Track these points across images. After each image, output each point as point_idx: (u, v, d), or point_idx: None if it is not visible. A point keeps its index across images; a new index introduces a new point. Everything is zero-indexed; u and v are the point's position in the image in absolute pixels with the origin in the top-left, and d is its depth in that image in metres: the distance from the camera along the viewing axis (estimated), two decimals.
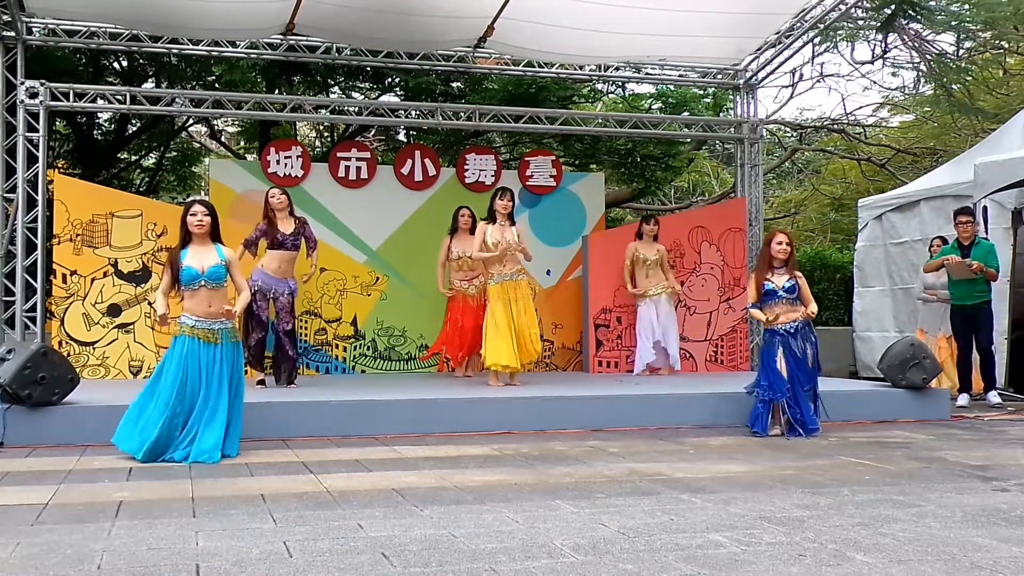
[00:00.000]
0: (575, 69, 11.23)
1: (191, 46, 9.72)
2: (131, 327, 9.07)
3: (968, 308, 8.81)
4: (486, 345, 8.13)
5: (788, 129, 19.11)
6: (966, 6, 12.04)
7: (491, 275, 8.24)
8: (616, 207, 16.89)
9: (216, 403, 5.63)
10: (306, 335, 9.86)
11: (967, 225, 8.83)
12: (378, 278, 10.07)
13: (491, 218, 8.26)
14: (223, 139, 17.46)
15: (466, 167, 10.49)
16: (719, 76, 11.26)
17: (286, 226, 7.96)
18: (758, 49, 10.63)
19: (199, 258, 5.70)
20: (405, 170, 10.33)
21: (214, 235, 5.83)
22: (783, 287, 6.77)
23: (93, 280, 9.03)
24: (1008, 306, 9.59)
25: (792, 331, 6.75)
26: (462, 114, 10.64)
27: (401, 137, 15.01)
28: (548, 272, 10.57)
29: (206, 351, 5.65)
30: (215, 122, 16.16)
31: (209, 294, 5.69)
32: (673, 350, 9.65)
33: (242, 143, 17.11)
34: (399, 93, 13.56)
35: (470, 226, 9.05)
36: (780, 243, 6.85)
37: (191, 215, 5.77)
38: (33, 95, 8.98)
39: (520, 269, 8.32)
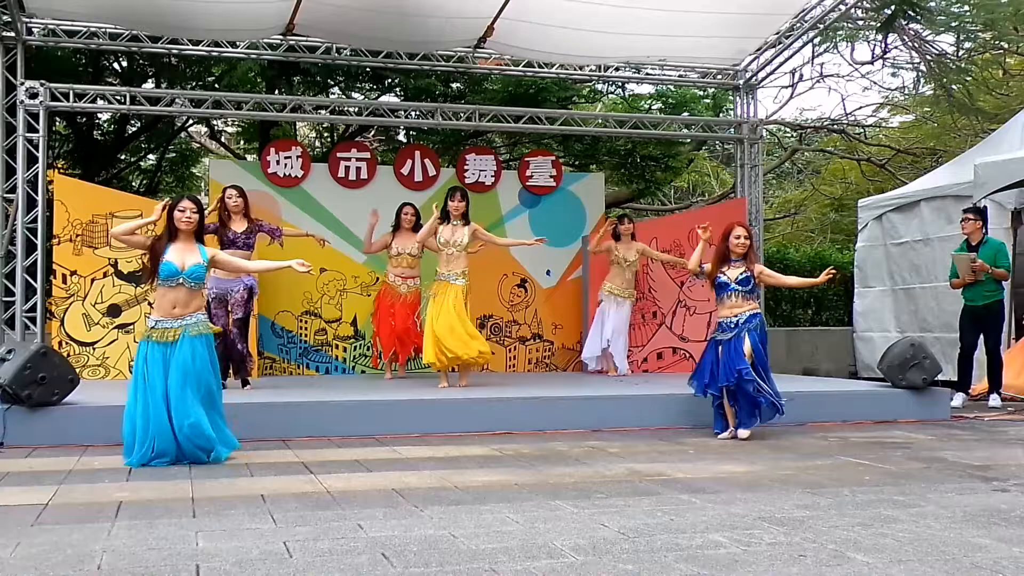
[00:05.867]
0: (575, 69, 11.23)
1: (191, 46, 9.72)
2: (131, 327, 9.07)
3: (979, 308, 8.79)
4: (428, 346, 8.10)
5: (788, 129, 19.10)
6: (966, 7, 12.04)
7: (436, 272, 8.18)
8: (616, 207, 16.86)
9: (180, 402, 5.40)
10: (306, 335, 9.87)
11: (966, 223, 8.83)
12: (378, 278, 10.04)
13: (444, 218, 8.20)
14: (223, 139, 17.46)
15: (466, 167, 10.49)
16: (719, 76, 11.26)
17: (238, 225, 7.86)
18: (758, 49, 10.64)
19: (181, 255, 5.57)
20: (405, 170, 10.34)
21: (198, 234, 5.72)
22: (736, 279, 6.60)
23: (93, 280, 9.03)
24: (1009, 306, 9.58)
25: (737, 324, 6.57)
26: (462, 114, 10.64)
27: (401, 137, 15.00)
28: (548, 272, 10.58)
29: (164, 351, 5.48)
30: (215, 122, 16.16)
31: (183, 293, 5.55)
32: (621, 354, 9.62)
33: (242, 143, 17.10)
34: (399, 94, 13.55)
35: (413, 224, 8.96)
36: (739, 237, 6.62)
37: (179, 211, 5.63)
38: (33, 95, 8.98)
39: (463, 273, 8.14)
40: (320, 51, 9.97)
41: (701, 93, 14.24)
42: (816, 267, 13.07)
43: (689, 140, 14.51)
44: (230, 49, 9.87)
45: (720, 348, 6.61)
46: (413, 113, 11.29)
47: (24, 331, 8.86)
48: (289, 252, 8.51)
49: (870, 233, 11.55)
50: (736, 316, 6.61)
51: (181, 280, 5.53)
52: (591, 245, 9.72)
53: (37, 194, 8.97)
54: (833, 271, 6.80)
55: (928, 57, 12.31)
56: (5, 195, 9.05)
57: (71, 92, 9.27)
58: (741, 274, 6.63)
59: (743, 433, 6.57)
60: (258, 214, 8.33)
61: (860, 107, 24.21)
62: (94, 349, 8.98)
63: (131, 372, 8.80)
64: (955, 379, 9.06)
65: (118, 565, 3.31)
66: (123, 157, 15.33)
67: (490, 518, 4.06)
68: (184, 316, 5.55)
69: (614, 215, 10.95)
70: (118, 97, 9.63)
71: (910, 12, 10.42)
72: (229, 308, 7.77)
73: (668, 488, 4.76)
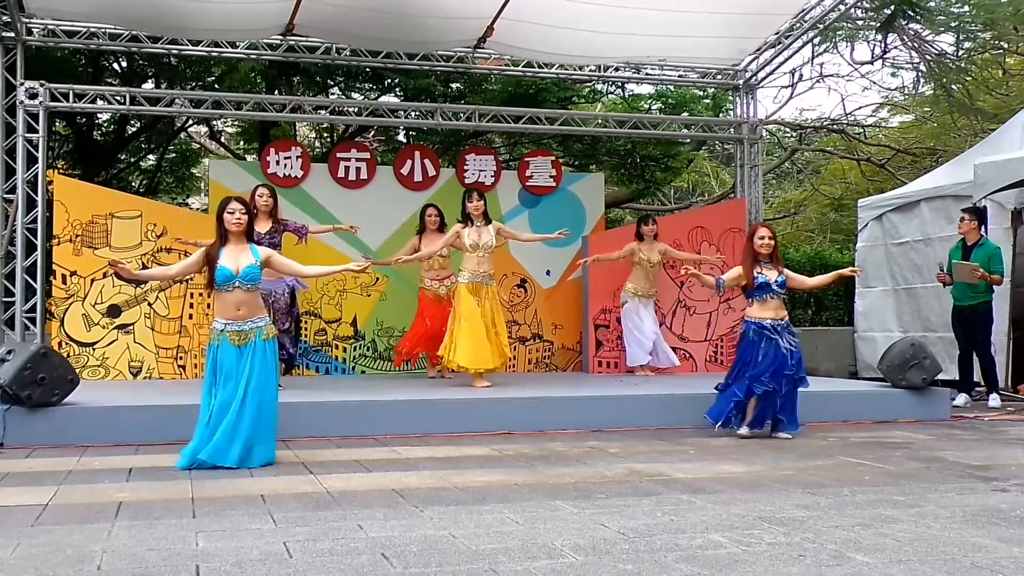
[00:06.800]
0: (575, 69, 11.23)
1: (191, 47, 9.72)
2: (131, 328, 9.07)
3: (964, 309, 8.82)
4: (455, 345, 8.01)
5: (788, 129, 19.10)
6: (966, 6, 12.04)
7: (462, 272, 8.16)
8: (616, 207, 16.89)
9: (238, 405, 5.47)
10: (306, 335, 9.85)
11: (963, 223, 8.86)
12: (378, 278, 10.06)
13: (465, 221, 8.20)
14: (223, 140, 17.47)
15: (466, 167, 10.49)
16: (719, 76, 11.26)
17: (262, 226, 7.77)
18: (758, 49, 10.64)
19: (234, 258, 5.54)
20: (405, 170, 10.33)
21: (249, 234, 5.72)
22: (776, 281, 6.65)
23: (93, 281, 9.02)
24: (1008, 306, 9.58)
25: (781, 328, 6.67)
26: (462, 115, 10.64)
27: (401, 138, 15.01)
28: (548, 272, 10.57)
29: (236, 352, 5.50)
30: (215, 123, 16.17)
31: (242, 295, 5.53)
32: (667, 348, 9.71)
33: (242, 144, 17.12)
34: (399, 94, 13.56)
35: (437, 225, 8.94)
36: (763, 237, 6.69)
37: (228, 212, 5.58)
38: (33, 96, 8.97)
39: (491, 273, 8.24)
40: (320, 51, 9.97)
41: (701, 93, 14.25)
42: (816, 267, 13.12)
43: (689, 140, 14.51)
44: (230, 49, 9.86)
45: (769, 347, 6.61)
46: (413, 113, 11.29)
47: (24, 331, 8.85)
48: (305, 249, 8.51)
49: (870, 233, 11.55)
50: (779, 320, 6.68)
51: (237, 283, 5.51)
52: (611, 256, 9.67)
53: (37, 194, 8.96)
54: (857, 269, 7.27)
55: (928, 57, 12.31)
56: (5, 195, 9.04)
57: (71, 92, 9.26)
58: (779, 275, 6.69)
59: (786, 435, 6.66)
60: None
61: (860, 107, 24.21)
62: (94, 349, 8.98)
63: (131, 373, 8.94)
64: (958, 378, 9.09)
65: (118, 565, 3.31)
66: (123, 157, 15.35)
67: (490, 518, 4.06)
68: (251, 318, 5.56)
69: (615, 215, 10.96)
70: (118, 97, 9.63)
71: (910, 12, 10.42)
72: (273, 313, 7.67)
73: (668, 488, 4.76)
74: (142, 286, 9.04)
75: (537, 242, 9.30)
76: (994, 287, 8.77)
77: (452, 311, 8.21)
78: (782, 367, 6.58)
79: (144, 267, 9.05)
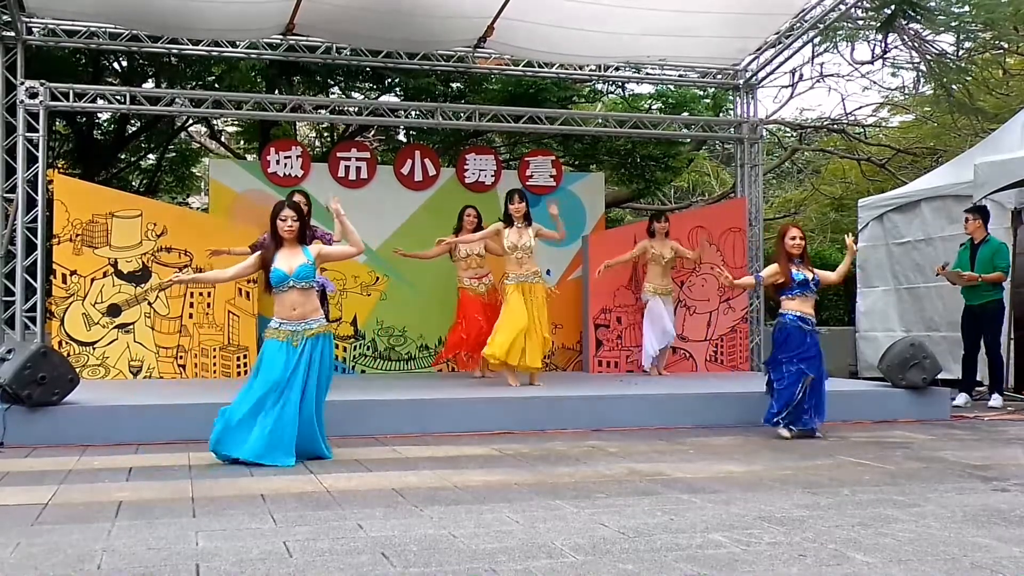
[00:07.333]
0: (575, 69, 11.22)
1: (191, 46, 9.71)
2: (131, 327, 9.06)
3: (975, 308, 8.82)
4: (494, 335, 8.05)
5: (788, 129, 19.10)
6: (966, 6, 12.05)
7: (507, 275, 8.23)
8: (616, 207, 16.89)
9: (310, 402, 5.63)
10: None
11: (968, 223, 8.87)
12: (378, 278, 10.06)
13: (507, 221, 8.27)
14: (223, 139, 17.47)
15: (466, 167, 10.49)
16: (719, 76, 11.25)
17: None
18: (758, 49, 10.63)
19: (288, 260, 5.70)
20: (405, 170, 10.34)
21: (301, 238, 5.84)
22: (813, 280, 6.82)
23: (93, 280, 9.02)
24: (1009, 306, 9.58)
25: (810, 325, 6.79)
26: (462, 114, 10.63)
27: (401, 137, 15.01)
28: (548, 272, 10.52)
29: (290, 353, 5.61)
30: (215, 122, 16.17)
31: (297, 295, 5.67)
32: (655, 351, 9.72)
33: (242, 143, 17.12)
34: (399, 93, 13.56)
35: (475, 226, 8.98)
36: (794, 238, 6.86)
37: (280, 220, 5.74)
38: (33, 95, 8.97)
39: (537, 272, 8.32)
40: (320, 51, 9.96)
41: (701, 93, 14.24)
42: (816, 267, 13.09)
43: (689, 140, 14.51)
44: (230, 49, 9.86)
45: (808, 338, 6.73)
46: (413, 113, 11.29)
47: (24, 331, 8.85)
48: None
49: (871, 233, 11.55)
50: (811, 316, 6.81)
51: (291, 283, 5.66)
52: (622, 258, 9.64)
53: (37, 194, 8.96)
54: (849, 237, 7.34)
55: (928, 57, 12.31)
56: (5, 195, 9.04)
57: (71, 92, 9.26)
58: (813, 275, 6.87)
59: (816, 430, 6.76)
60: (258, 214, 8.30)
61: (860, 107, 24.22)
62: (94, 349, 8.97)
63: (131, 372, 8.94)
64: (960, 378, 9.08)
65: (118, 565, 3.31)
66: (123, 157, 15.35)
67: (490, 518, 4.06)
68: (306, 318, 5.69)
69: (615, 215, 10.94)
70: (118, 97, 9.63)
71: (910, 12, 10.42)
72: None
73: (668, 488, 4.76)
74: (142, 285, 9.05)
75: (557, 236, 9.09)
76: (1003, 284, 8.76)
77: (503, 308, 8.21)
78: (817, 359, 6.76)
79: (144, 267, 9.07)
